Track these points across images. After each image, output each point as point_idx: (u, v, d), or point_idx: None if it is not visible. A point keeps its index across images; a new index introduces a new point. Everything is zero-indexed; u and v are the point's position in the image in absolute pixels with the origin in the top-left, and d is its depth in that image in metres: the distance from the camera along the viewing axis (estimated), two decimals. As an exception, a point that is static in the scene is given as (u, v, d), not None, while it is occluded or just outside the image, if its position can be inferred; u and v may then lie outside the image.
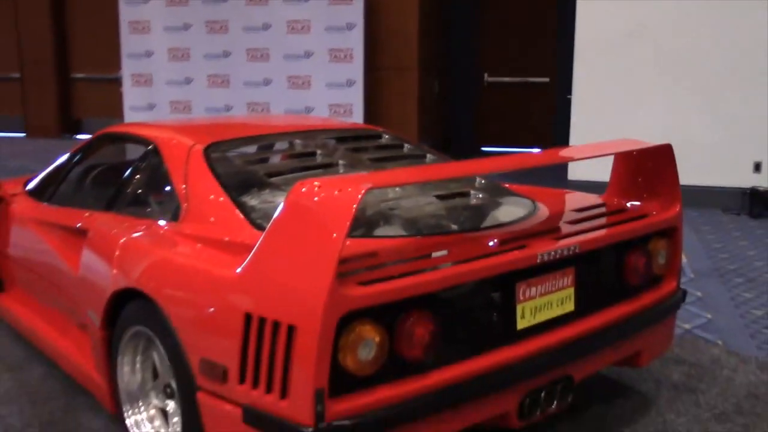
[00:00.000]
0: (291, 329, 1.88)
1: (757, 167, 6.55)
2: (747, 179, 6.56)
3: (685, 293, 2.94)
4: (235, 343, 2.00)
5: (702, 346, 3.59)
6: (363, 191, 1.88)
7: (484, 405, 2.22)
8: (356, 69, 8.41)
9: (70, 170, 3.58)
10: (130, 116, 8.97)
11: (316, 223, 1.91)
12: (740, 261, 5.08)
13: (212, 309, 2.11)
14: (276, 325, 1.92)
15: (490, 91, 9.99)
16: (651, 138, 2.93)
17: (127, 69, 9.07)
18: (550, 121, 9.53)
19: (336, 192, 1.92)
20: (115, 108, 11.11)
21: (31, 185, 3.76)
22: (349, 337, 1.90)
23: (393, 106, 8.68)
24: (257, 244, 2.01)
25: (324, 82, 8.50)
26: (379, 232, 2.35)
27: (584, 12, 6.93)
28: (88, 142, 3.58)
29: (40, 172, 3.81)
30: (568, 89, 7.37)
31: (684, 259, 5.04)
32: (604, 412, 2.90)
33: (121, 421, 2.62)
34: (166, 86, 8.95)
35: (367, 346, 1.94)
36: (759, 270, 4.86)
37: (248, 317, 1.98)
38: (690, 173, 6.54)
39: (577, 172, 6.66)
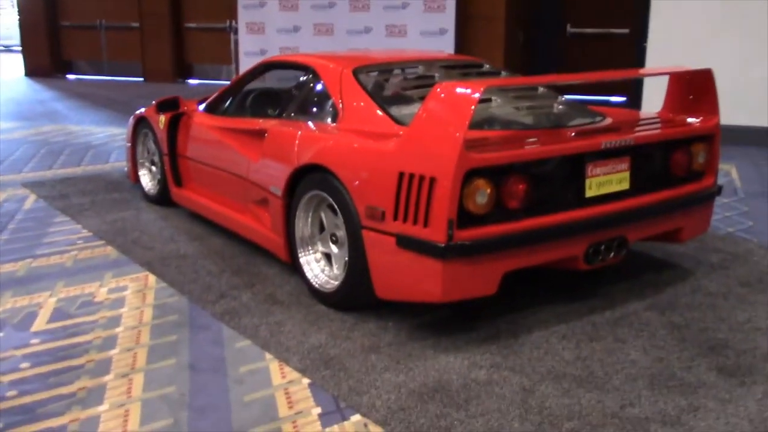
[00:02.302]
0: (432, 180, 2.84)
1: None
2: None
3: (720, 188, 3.79)
4: (391, 192, 2.98)
5: (740, 242, 4.41)
6: (483, 87, 2.83)
7: (559, 247, 3.15)
8: (448, 18, 9.27)
9: (240, 90, 4.62)
10: (244, 61, 10.07)
11: (451, 109, 2.86)
12: (789, 187, 5.80)
13: (375, 170, 3.09)
14: (421, 178, 2.87)
15: (572, 42, 10.65)
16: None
17: (243, 18, 10.14)
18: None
19: (465, 89, 2.87)
20: (224, 54, 12.29)
21: (204, 104, 4.82)
22: (470, 187, 2.85)
23: (481, 54, 9.48)
24: (410, 124, 2.99)
25: (419, 31, 9.39)
26: (490, 127, 3.29)
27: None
28: (254, 69, 4.59)
29: (212, 95, 4.86)
30: (645, 39, 8.05)
31: (738, 184, 5.81)
32: (655, 278, 3.79)
33: (295, 265, 3.66)
34: (276, 34, 10.00)
35: (481, 194, 2.89)
36: (804, 194, 5.59)
37: (401, 174, 2.95)
38: (754, 114, 7.24)
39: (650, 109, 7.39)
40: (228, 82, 4.82)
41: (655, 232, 3.58)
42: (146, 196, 5.28)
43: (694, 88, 3.71)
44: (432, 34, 9.36)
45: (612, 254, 3.33)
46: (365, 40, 9.62)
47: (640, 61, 8.51)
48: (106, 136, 8.03)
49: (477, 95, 2.81)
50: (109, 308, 3.45)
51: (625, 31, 10.25)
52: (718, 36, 7.44)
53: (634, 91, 8.97)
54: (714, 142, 3.68)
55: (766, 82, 7.24)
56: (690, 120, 3.70)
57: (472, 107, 2.79)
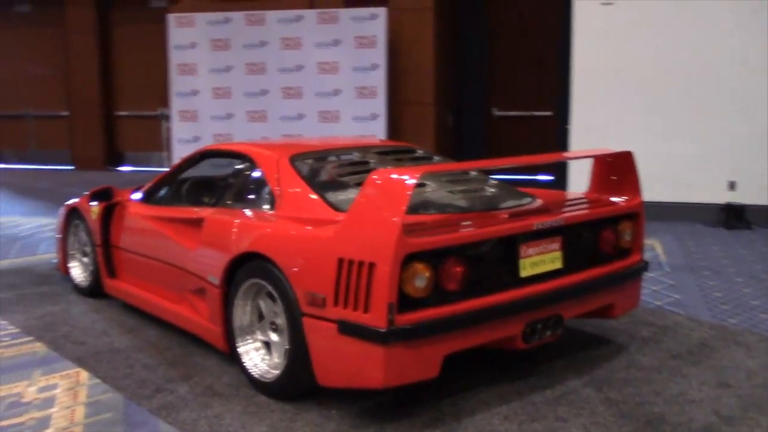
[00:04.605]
0: (371, 265, 2.87)
1: (732, 185, 7.56)
2: (723, 196, 7.57)
3: (647, 264, 3.94)
4: (331, 278, 2.99)
5: (669, 315, 4.56)
6: (420, 173, 2.92)
7: (498, 327, 3.20)
8: (380, 104, 9.51)
9: (176, 179, 4.61)
10: (177, 148, 10.05)
11: (388, 195, 2.92)
12: (710, 260, 6.05)
13: (314, 257, 3.11)
14: (360, 263, 2.90)
15: (498, 124, 11.05)
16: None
17: (176, 106, 10.19)
18: (553, 151, 10.53)
19: (401, 175, 2.95)
20: (155, 141, 12.27)
21: (138, 193, 4.79)
22: (409, 271, 2.90)
23: (412, 137, 9.73)
24: (349, 210, 3.04)
25: (351, 116, 9.59)
26: (425, 211, 3.37)
27: (579, 51, 8.02)
28: (190, 157, 4.60)
29: (145, 184, 4.84)
30: (567, 120, 8.43)
31: (663, 258, 6.03)
32: (591, 354, 3.87)
33: (234, 355, 3.60)
34: (210, 121, 10.06)
35: (420, 278, 2.93)
36: (724, 266, 5.83)
37: (340, 260, 2.97)
38: (675, 190, 7.61)
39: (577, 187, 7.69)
40: (160, 169, 4.83)
41: (588, 309, 3.67)
42: (77, 288, 5.15)
43: (617, 169, 3.89)
44: (364, 119, 9.57)
45: (549, 332, 3.40)
46: (298, 126, 9.77)
47: (563, 142, 8.87)
48: (34, 227, 7.83)
49: (413, 181, 2.89)
50: (39, 408, 3.31)
51: (549, 113, 10.70)
52: (637, 115, 7.86)
53: (560, 171, 9.31)
54: (639, 220, 3.84)
55: (684, 158, 7.64)
56: (615, 199, 3.86)
57: (409, 193, 2.86)
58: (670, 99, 7.73)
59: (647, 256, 4.22)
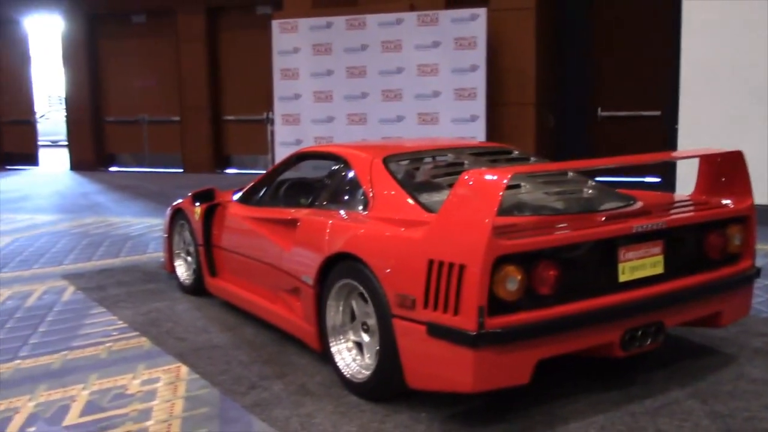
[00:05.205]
0: (462, 268, 2.82)
1: None
2: None
3: (759, 270, 3.70)
4: (421, 279, 2.97)
5: (784, 325, 4.28)
6: (511, 174, 2.85)
7: (594, 333, 3.09)
8: (479, 106, 9.42)
9: (273, 181, 4.71)
10: (280, 151, 10.29)
11: (479, 195, 2.87)
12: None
13: (404, 258, 3.09)
14: (451, 265, 2.86)
15: (603, 125, 10.72)
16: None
17: (279, 110, 10.44)
18: (660, 152, 10.12)
19: (492, 175, 2.89)
20: (260, 145, 12.63)
21: (238, 195, 4.91)
22: (500, 273, 2.83)
23: (512, 139, 9.58)
24: (439, 211, 3.00)
25: (450, 118, 9.54)
26: (519, 213, 3.29)
27: (688, 48, 7.67)
28: (287, 159, 4.69)
29: (245, 186, 4.96)
30: (676, 120, 8.08)
31: (779, 264, 5.66)
32: (695, 364, 3.67)
33: (326, 354, 3.63)
34: (311, 124, 10.24)
35: (512, 281, 2.86)
36: None
37: (431, 261, 2.94)
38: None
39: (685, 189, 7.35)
40: (264, 172, 4.94)
41: (692, 317, 3.49)
42: (181, 286, 5.34)
43: (726, 170, 3.68)
44: (463, 121, 9.50)
45: (649, 340, 3.25)
46: (398, 129, 9.80)
47: (672, 143, 8.52)
48: (144, 227, 8.20)
49: (504, 181, 2.83)
50: (141, 401, 3.44)
51: (657, 113, 10.31)
52: (748, 115, 7.43)
53: (667, 172, 8.93)
54: (749, 224, 3.62)
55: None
56: (723, 202, 3.66)
57: (500, 193, 2.80)
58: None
59: (761, 262, 3.98)
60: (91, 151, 14.85)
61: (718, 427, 2.98)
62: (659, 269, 3.29)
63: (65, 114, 15.47)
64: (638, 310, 3.18)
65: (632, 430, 2.98)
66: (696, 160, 3.84)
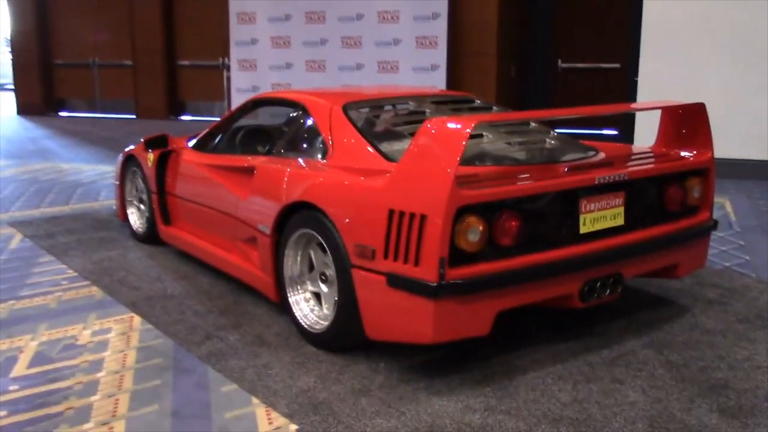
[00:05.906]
0: (423, 218, 2.76)
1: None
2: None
3: (716, 222, 3.73)
4: (381, 230, 2.90)
5: (737, 277, 4.34)
6: (475, 122, 2.78)
7: (554, 285, 3.07)
8: (440, 54, 9.30)
9: (229, 127, 4.57)
10: (236, 97, 10.08)
11: (441, 144, 2.80)
12: (784, 220, 5.76)
13: (364, 208, 3.02)
14: (412, 216, 2.80)
15: (563, 76, 10.70)
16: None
17: (235, 55, 10.17)
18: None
19: (455, 124, 2.82)
20: (216, 91, 12.33)
21: (193, 141, 4.77)
22: (462, 224, 2.78)
23: (473, 89, 9.51)
24: (400, 160, 2.93)
25: (411, 67, 9.41)
26: (481, 163, 3.24)
27: (650, 3, 7.63)
28: (243, 106, 4.55)
29: (200, 132, 4.82)
30: (636, 73, 8.08)
31: (733, 217, 5.76)
32: (651, 315, 3.71)
33: (284, 304, 3.57)
34: (269, 70, 10.02)
35: (473, 232, 2.81)
36: (800, 227, 5.54)
37: (391, 211, 2.87)
38: (749, 146, 7.24)
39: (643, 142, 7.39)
40: (219, 119, 4.79)
41: (651, 268, 3.51)
42: (134, 234, 5.20)
43: (687, 123, 3.67)
44: (424, 70, 9.38)
45: (608, 291, 3.25)
46: (358, 76, 9.64)
47: (631, 95, 8.53)
48: (95, 174, 7.97)
49: (468, 130, 2.76)
50: (92, 351, 3.34)
51: (616, 65, 10.31)
52: (709, 69, 7.46)
53: (626, 125, 8.97)
54: (709, 176, 3.63)
55: (757, 115, 7.25)
56: (684, 154, 3.65)
57: (463, 142, 2.73)
58: (752, 53, 7.28)
59: (717, 214, 4.01)
60: (39, 96, 14.34)
61: (673, 376, 3.02)
62: (620, 221, 3.28)
63: (11, 56, 14.86)
64: (598, 262, 3.18)
65: (589, 379, 3.00)
66: (657, 113, 3.82)
